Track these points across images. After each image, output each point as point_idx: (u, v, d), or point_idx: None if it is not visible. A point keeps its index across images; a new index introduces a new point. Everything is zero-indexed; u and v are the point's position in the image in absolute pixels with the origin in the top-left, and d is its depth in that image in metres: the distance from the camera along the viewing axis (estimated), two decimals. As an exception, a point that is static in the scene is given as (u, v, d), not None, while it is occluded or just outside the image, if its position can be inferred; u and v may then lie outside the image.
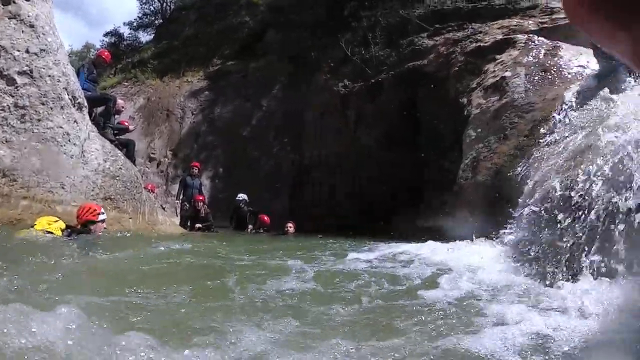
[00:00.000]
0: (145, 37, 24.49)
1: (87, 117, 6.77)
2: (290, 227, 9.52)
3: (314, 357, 1.75)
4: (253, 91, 13.64)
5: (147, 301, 2.46)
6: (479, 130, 7.16)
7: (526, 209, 3.66)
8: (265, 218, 10.22)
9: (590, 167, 3.64)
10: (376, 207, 9.81)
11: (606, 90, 5.51)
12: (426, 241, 5.42)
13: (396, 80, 10.45)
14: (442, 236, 5.45)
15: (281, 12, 14.18)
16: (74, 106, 6.28)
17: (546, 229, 3.27)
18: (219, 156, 13.50)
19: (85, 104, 6.66)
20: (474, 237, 4.79)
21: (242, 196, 10.70)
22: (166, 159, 13.98)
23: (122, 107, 9.17)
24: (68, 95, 6.15)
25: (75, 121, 6.18)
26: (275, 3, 14.83)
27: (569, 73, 6.83)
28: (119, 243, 5.17)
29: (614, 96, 5.23)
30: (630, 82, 5.36)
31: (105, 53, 8.69)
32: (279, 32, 14.02)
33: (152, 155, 14.02)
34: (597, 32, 0.45)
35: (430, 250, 5.00)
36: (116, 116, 8.49)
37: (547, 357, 1.79)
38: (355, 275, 3.67)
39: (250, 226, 10.60)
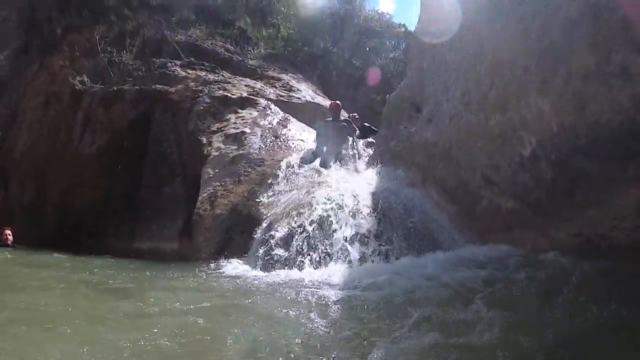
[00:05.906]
0: None
1: None
2: (9, 235, 7.92)
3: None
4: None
5: None
6: (217, 170, 7.90)
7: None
8: None
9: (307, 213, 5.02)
10: (83, 224, 8.96)
11: (317, 163, 7.39)
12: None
13: (138, 96, 10.09)
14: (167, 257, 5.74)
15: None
16: None
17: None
18: None
19: None
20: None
21: None
22: None
23: None
24: None
25: None
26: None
27: (292, 143, 8.59)
28: None
29: (322, 169, 7.08)
30: (333, 164, 7.40)
31: None
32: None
33: None
34: None
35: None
36: None
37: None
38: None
39: None
